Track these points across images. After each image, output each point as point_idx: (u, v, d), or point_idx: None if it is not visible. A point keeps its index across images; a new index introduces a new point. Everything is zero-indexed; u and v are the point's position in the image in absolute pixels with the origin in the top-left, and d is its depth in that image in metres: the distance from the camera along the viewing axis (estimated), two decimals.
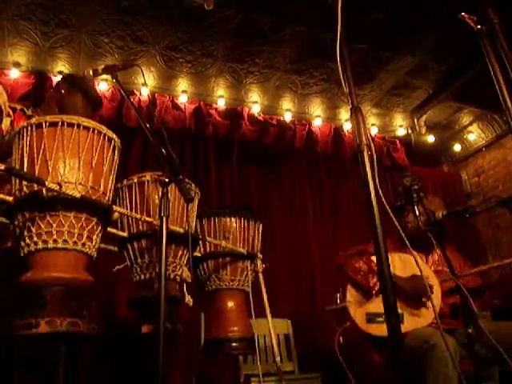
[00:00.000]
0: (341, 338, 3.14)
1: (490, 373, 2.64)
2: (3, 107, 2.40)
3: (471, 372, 2.37)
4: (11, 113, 2.51)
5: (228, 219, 2.79)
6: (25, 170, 1.68)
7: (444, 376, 2.37)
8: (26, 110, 2.62)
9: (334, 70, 4.49)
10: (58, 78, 3.65)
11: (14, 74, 4.18)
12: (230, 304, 2.71)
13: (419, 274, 2.41)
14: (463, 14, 1.71)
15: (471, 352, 2.32)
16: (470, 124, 5.85)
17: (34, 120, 1.75)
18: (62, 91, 2.85)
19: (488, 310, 3.23)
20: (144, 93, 4.60)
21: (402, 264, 2.87)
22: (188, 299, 2.29)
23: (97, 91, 3.00)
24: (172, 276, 2.22)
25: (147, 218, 2.10)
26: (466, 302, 2.24)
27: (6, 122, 2.46)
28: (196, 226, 2.67)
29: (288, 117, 5.20)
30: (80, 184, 1.70)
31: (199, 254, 2.72)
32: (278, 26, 4.06)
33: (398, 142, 5.77)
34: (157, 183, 2.19)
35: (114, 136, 1.89)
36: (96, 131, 1.79)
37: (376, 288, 2.79)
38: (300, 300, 4.65)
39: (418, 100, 5.33)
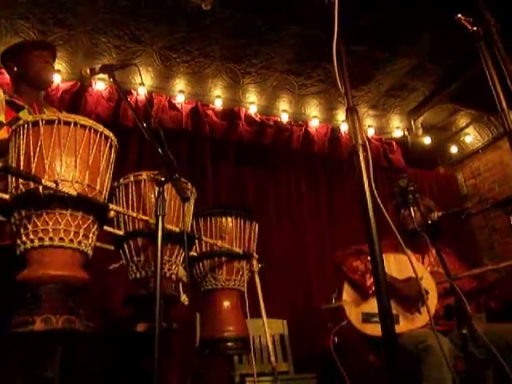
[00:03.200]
0: (335, 338, 3.14)
1: (484, 374, 2.65)
2: (0, 106, 2.40)
3: (465, 373, 2.38)
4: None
5: (224, 219, 2.79)
6: (21, 167, 1.69)
7: (438, 377, 2.38)
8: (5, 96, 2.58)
9: (331, 71, 4.50)
10: (55, 76, 3.64)
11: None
12: (226, 304, 2.71)
13: (415, 276, 2.43)
14: (459, 15, 1.72)
15: (465, 353, 2.33)
16: (467, 126, 5.87)
17: (30, 118, 1.76)
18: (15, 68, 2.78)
19: (483, 312, 3.24)
20: (141, 92, 4.60)
21: (398, 265, 2.88)
22: (183, 298, 2.29)
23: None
24: (168, 275, 2.22)
25: (143, 217, 2.10)
26: (461, 303, 2.25)
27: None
28: (192, 225, 2.67)
29: (285, 117, 5.21)
30: (76, 182, 1.70)
31: (195, 254, 2.73)
32: (275, 26, 4.06)
33: (394, 143, 5.78)
34: (153, 182, 2.19)
35: (111, 134, 1.89)
36: (93, 129, 1.79)
37: (373, 288, 2.79)
38: (295, 300, 4.65)
39: (414, 102, 5.35)
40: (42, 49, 2.75)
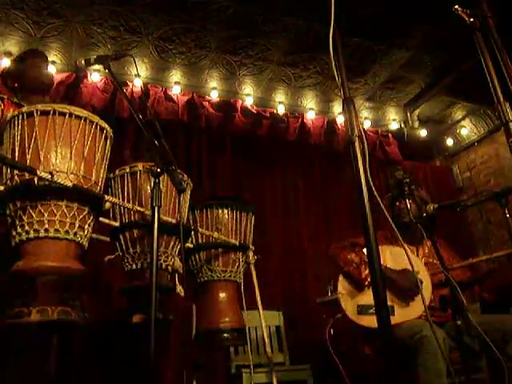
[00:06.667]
0: (331, 330, 3.15)
1: (478, 364, 2.67)
2: None
3: (460, 364, 2.39)
4: (0, 102, 2.50)
5: (220, 210, 2.79)
6: (16, 158, 1.68)
7: (433, 368, 2.39)
8: (12, 99, 2.61)
9: (328, 63, 4.49)
10: (50, 68, 3.60)
11: (6, 63, 4.13)
12: (222, 295, 2.72)
13: (410, 267, 2.43)
14: (456, 7, 1.71)
15: (460, 344, 2.34)
16: (463, 119, 5.87)
17: (25, 109, 1.75)
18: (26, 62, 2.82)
19: (477, 303, 3.25)
20: (137, 84, 4.57)
21: (393, 258, 2.88)
22: (179, 290, 2.29)
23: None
24: (164, 266, 2.22)
25: (139, 208, 2.10)
26: (456, 294, 2.26)
27: None
28: (188, 216, 2.67)
29: (281, 109, 5.19)
30: (72, 173, 1.70)
31: (191, 245, 2.73)
32: (271, 17, 4.04)
33: (390, 135, 5.77)
34: (149, 173, 2.19)
35: (106, 125, 1.88)
36: (88, 120, 1.79)
37: (368, 280, 2.80)
38: (291, 292, 4.66)
39: (411, 94, 5.34)
40: (32, 57, 2.79)
